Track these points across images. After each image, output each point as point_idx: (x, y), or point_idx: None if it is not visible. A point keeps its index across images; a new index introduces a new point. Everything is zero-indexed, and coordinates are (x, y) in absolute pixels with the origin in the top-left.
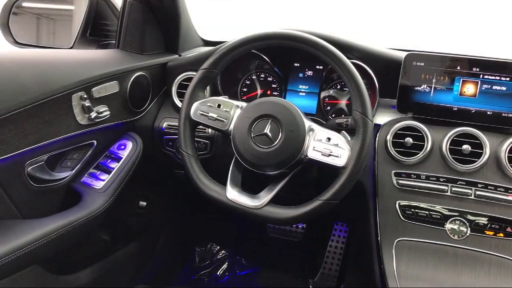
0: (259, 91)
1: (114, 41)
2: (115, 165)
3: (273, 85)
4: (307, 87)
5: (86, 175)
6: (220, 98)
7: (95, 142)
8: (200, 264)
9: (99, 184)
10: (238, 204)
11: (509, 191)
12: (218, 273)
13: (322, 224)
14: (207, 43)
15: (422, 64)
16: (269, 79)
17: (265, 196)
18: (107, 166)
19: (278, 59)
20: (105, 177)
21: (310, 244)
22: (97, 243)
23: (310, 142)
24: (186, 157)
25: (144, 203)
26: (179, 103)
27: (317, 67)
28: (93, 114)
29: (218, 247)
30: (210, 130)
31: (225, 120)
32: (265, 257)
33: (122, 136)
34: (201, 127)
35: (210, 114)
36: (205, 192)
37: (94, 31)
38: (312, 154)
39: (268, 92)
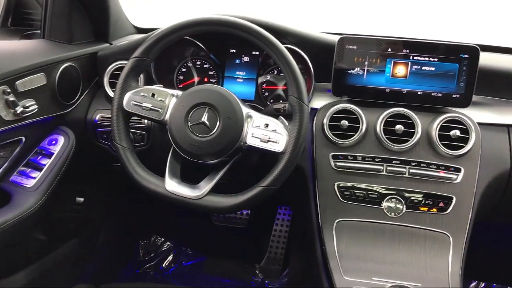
0: (196, 79)
1: (39, 31)
2: (46, 162)
3: (210, 72)
4: (244, 73)
5: (15, 173)
6: (154, 87)
7: (23, 138)
8: (144, 257)
9: (30, 182)
10: (178, 195)
11: (441, 167)
12: (163, 265)
13: (266, 209)
14: (139, 30)
15: (355, 47)
16: (205, 66)
17: (205, 186)
18: (38, 163)
19: (214, 46)
20: (36, 174)
21: (255, 230)
22: (32, 244)
23: (248, 129)
24: (121, 150)
25: (81, 199)
26: (112, 94)
27: (253, 52)
28: (19, 109)
29: (162, 239)
30: (146, 120)
31: (160, 110)
32: (211, 246)
33: (53, 131)
34: (137, 117)
35: (144, 104)
36: (142, 185)
37: (16, 20)
38: (251, 141)
39: (205, 80)
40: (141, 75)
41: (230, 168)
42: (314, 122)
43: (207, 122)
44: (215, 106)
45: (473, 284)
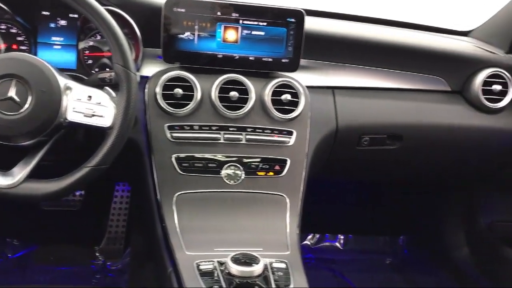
0: (2, 46)
1: None
2: None
3: (19, 38)
4: (62, 39)
5: None
6: None
7: None
8: None
9: None
10: None
11: (275, 132)
12: None
13: (102, 187)
14: None
15: (183, 10)
16: (12, 31)
17: (21, 172)
18: None
19: (21, 7)
20: None
21: (92, 210)
22: None
23: (68, 103)
24: None
25: None
26: None
27: (71, 15)
28: None
29: None
30: None
31: None
32: (41, 233)
33: None
34: None
35: None
36: None
37: None
38: (72, 116)
39: (14, 47)
40: None
41: (50, 149)
42: (146, 91)
43: (15, 97)
44: (24, 77)
45: (309, 236)
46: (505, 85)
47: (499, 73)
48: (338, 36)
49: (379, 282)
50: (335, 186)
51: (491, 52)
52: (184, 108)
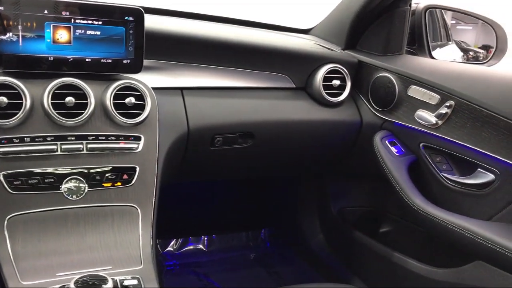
0: None
1: None
2: None
3: None
4: None
5: None
6: None
7: None
8: None
9: None
10: None
11: (120, 138)
12: None
13: None
14: None
15: (1, 8)
16: None
17: None
18: None
19: None
20: None
21: None
22: None
23: None
24: None
25: None
26: None
27: None
28: None
29: None
30: None
31: None
32: None
33: None
34: None
35: None
36: None
37: None
38: None
39: None
40: None
41: None
42: None
43: None
44: None
45: (172, 242)
46: (343, 80)
47: (337, 68)
48: (183, 35)
49: (244, 278)
50: (193, 188)
51: (329, 49)
52: (12, 119)
